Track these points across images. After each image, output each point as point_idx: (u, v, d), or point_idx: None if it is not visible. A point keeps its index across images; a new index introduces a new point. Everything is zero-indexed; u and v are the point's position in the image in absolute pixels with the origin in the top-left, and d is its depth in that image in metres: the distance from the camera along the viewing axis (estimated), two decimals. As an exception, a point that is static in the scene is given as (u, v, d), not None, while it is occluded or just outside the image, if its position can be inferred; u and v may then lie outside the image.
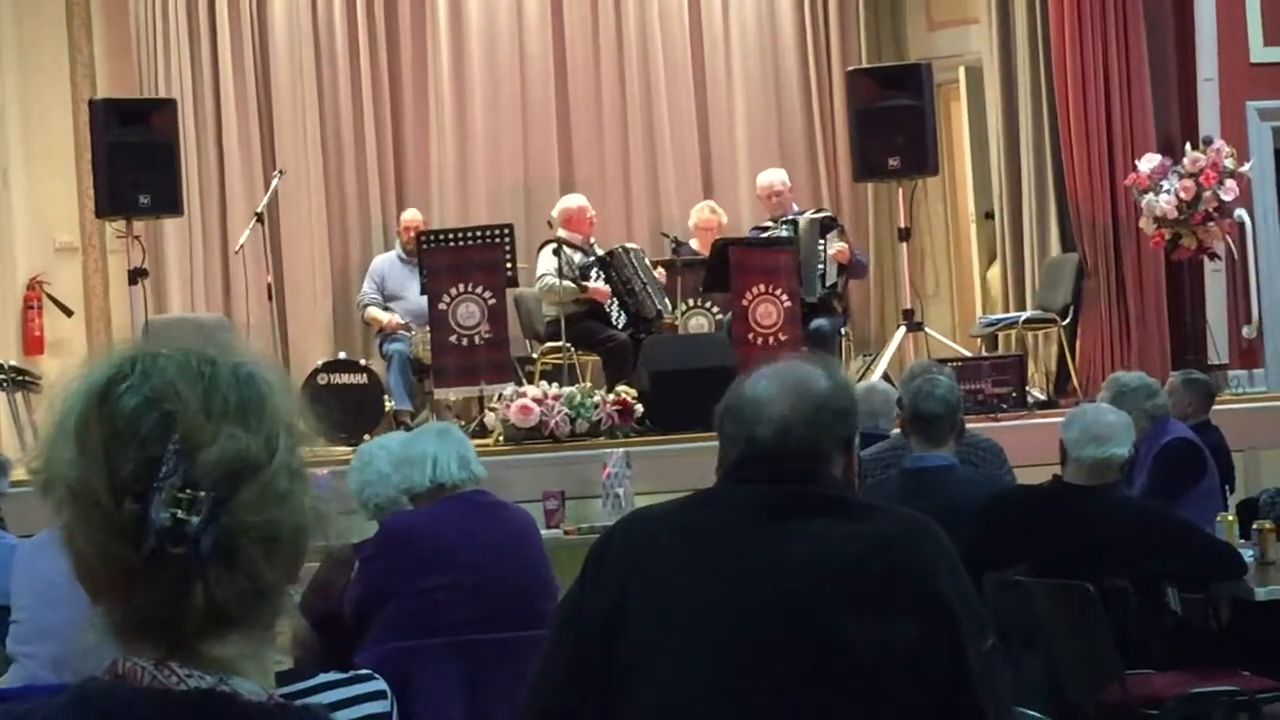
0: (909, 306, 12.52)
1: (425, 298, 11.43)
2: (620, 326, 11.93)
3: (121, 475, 1.65)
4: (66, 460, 1.68)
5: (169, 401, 1.67)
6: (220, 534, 1.65)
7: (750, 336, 11.10)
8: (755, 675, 3.06)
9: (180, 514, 1.63)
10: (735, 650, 3.08)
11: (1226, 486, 8.80)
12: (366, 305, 12.46)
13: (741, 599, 3.10)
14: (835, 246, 12.18)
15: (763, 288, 11.18)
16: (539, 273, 11.97)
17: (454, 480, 5.90)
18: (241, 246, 12.36)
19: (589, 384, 11.24)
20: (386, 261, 12.61)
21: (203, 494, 1.64)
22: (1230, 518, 7.50)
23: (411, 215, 12.74)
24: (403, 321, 12.13)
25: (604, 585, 3.22)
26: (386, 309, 12.31)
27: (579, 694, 3.20)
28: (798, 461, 3.21)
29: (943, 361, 10.35)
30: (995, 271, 13.54)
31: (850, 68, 13.31)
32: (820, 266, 12.07)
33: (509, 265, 11.44)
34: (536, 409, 10.58)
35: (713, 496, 3.36)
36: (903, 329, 12.39)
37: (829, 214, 12.76)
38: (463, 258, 11.26)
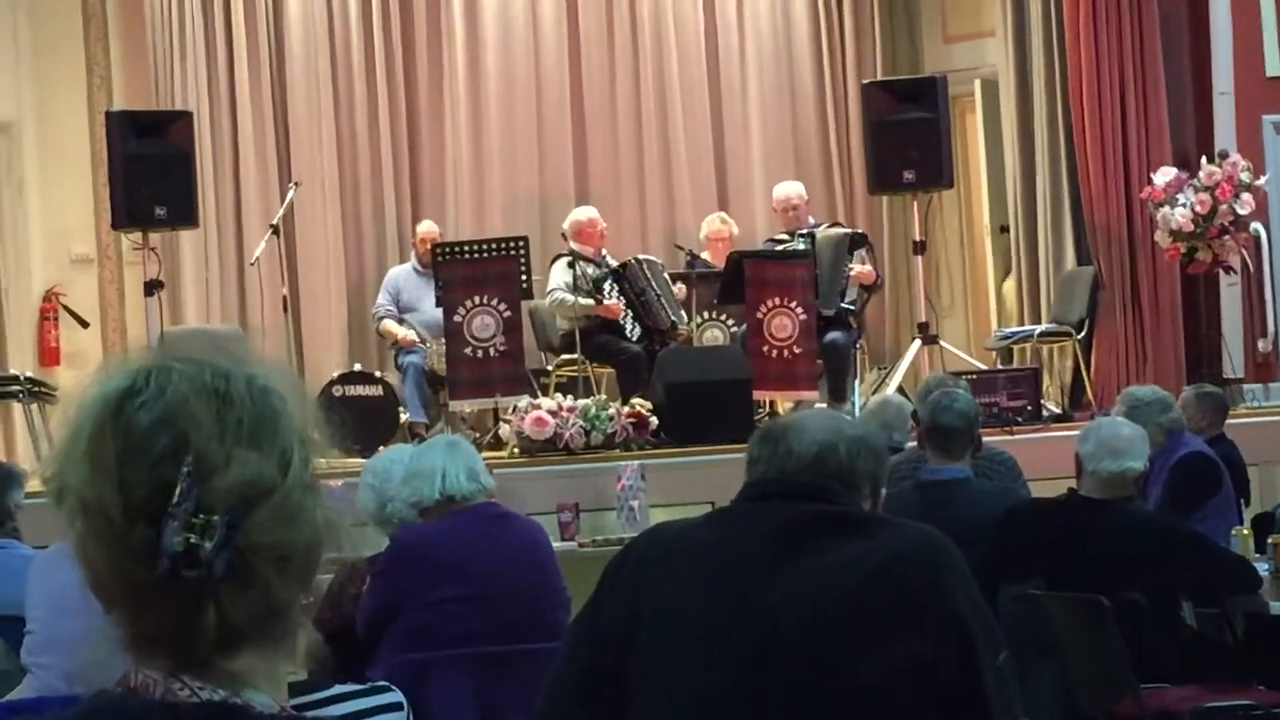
0: (924, 319, 12.51)
1: (440, 310, 11.45)
2: (634, 339, 11.92)
3: (134, 497, 1.65)
4: (80, 476, 1.68)
5: (183, 421, 1.67)
6: (233, 556, 1.65)
7: (765, 349, 11.10)
8: (768, 694, 3.05)
9: (193, 539, 1.63)
10: (748, 669, 3.07)
11: (1241, 500, 8.79)
12: (382, 318, 12.45)
13: (755, 618, 3.10)
14: (860, 267, 12.13)
15: (778, 301, 11.18)
16: (549, 287, 11.95)
17: (464, 493, 5.89)
18: (257, 258, 12.38)
19: (604, 396, 11.23)
20: (402, 273, 12.61)
21: (216, 518, 1.64)
22: (1245, 531, 7.49)
23: (428, 227, 12.73)
24: (416, 337, 12.12)
25: (619, 601, 3.22)
26: (402, 321, 12.31)
27: (590, 710, 3.19)
28: (825, 485, 3.22)
29: (957, 374, 10.35)
30: (1010, 285, 13.52)
31: (865, 80, 13.29)
32: (842, 282, 12.03)
33: (524, 277, 11.45)
34: (551, 421, 10.57)
35: (732, 514, 3.36)
36: (917, 342, 12.38)
37: (861, 232, 12.71)
38: (478, 270, 11.27)
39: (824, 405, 10.63)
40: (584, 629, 3.30)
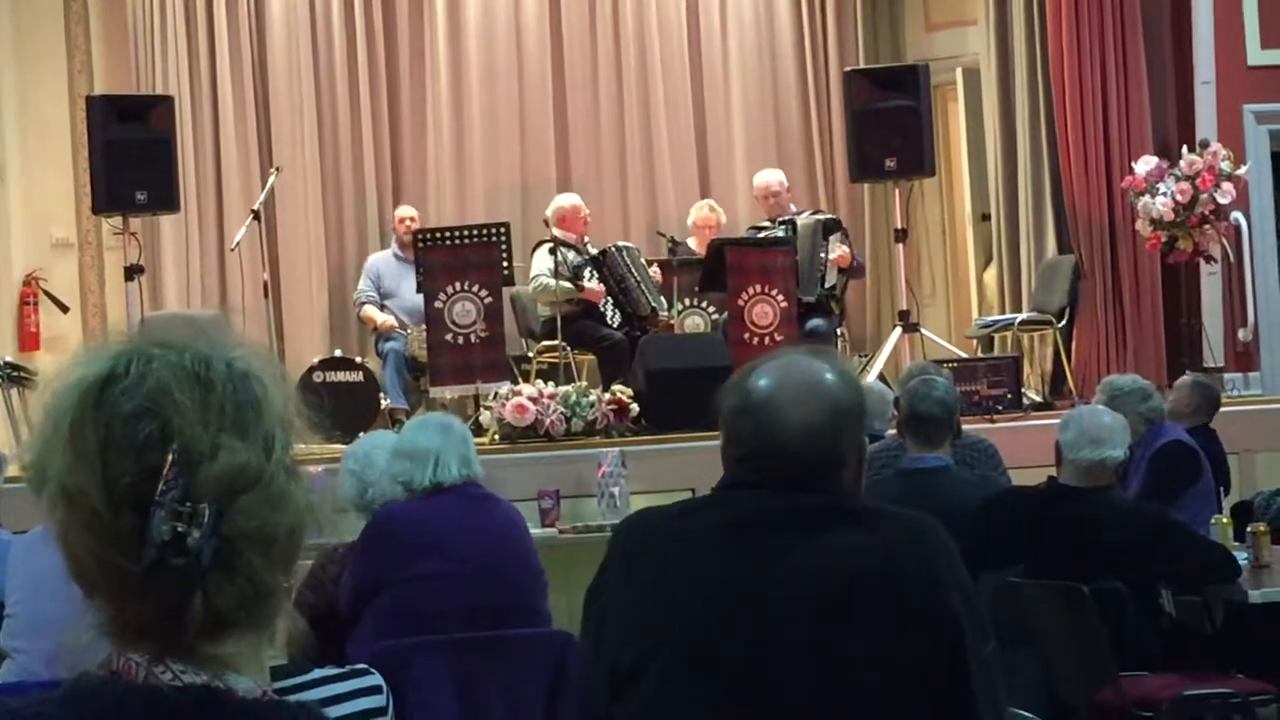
0: (905, 307, 12.52)
1: (421, 295, 11.48)
2: (615, 325, 11.93)
3: (119, 486, 1.64)
4: (61, 464, 1.67)
5: (166, 409, 1.66)
6: (220, 542, 1.64)
7: (746, 336, 11.10)
8: (757, 691, 3.01)
9: (181, 527, 1.62)
10: (739, 666, 3.02)
11: (1221, 489, 8.80)
12: (363, 304, 12.46)
13: (745, 612, 3.03)
14: (837, 250, 12.19)
15: (759, 288, 11.19)
16: (532, 273, 11.96)
17: (453, 480, 5.93)
18: (238, 243, 12.35)
19: (585, 383, 11.22)
20: (382, 259, 12.62)
21: (203, 506, 1.63)
22: (1225, 520, 7.51)
23: (407, 210, 12.82)
24: (396, 323, 12.14)
25: (613, 585, 3.17)
26: (383, 308, 12.32)
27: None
28: (812, 470, 3.12)
29: (939, 363, 10.36)
30: (991, 273, 13.54)
31: (848, 68, 13.30)
32: (821, 268, 12.08)
33: (505, 264, 11.45)
34: (532, 408, 10.57)
35: (717, 502, 3.25)
36: (898, 330, 12.39)
37: (834, 216, 12.76)
38: (459, 256, 11.26)
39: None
40: (591, 620, 3.23)
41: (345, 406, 11.13)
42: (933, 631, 2.99)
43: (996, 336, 12.70)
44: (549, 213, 12.28)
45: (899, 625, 2.99)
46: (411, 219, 12.61)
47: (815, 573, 3.03)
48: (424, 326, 11.40)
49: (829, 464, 3.13)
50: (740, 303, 11.19)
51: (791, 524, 3.09)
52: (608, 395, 10.83)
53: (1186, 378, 9.60)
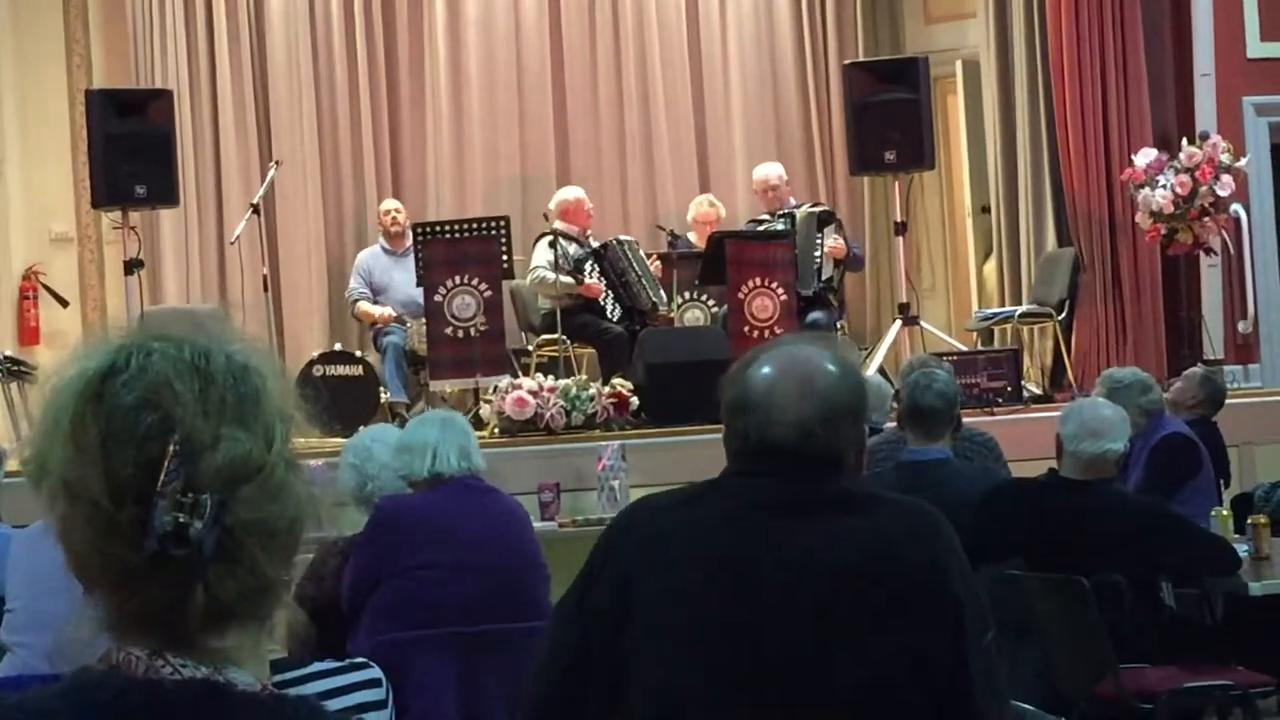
0: (905, 300, 12.51)
1: (412, 287, 11.56)
2: (615, 319, 11.92)
3: (121, 477, 1.64)
4: (62, 458, 1.67)
5: (166, 400, 1.66)
6: (221, 534, 1.64)
7: (746, 330, 11.09)
8: (758, 676, 3.00)
9: (183, 518, 1.62)
10: (739, 654, 3.01)
11: (1221, 481, 8.80)
12: (356, 301, 12.47)
13: (748, 602, 3.02)
14: (832, 241, 12.19)
15: (759, 281, 11.18)
16: (532, 265, 11.96)
17: (452, 472, 5.94)
18: (237, 237, 12.36)
19: (585, 376, 11.23)
20: (370, 255, 12.63)
21: (205, 497, 1.63)
22: (1225, 512, 7.51)
23: (390, 201, 12.89)
24: (393, 314, 12.15)
25: (609, 579, 3.16)
26: (376, 303, 12.33)
27: (583, 689, 3.13)
28: (808, 467, 3.11)
29: (939, 355, 10.36)
30: (991, 266, 13.54)
31: (847, 61, 13.28)
32: (817, 260, 12.08)
33: (505, 257, 11.46)
34: (532, 401, 10.57)
35: (719, 490, 3.24)
36: (898, 323, 12.38)
37: (827, 208, 12.76)
38: (459, 250, 11.27)
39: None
40: (572, 609, 3.22)
41: (345, 400, 11.13)
42: (933, 618, 2.99)
43: (996, 329, 12.71)
44: (552, 205, 12.28)
45: (899, 611, 2.99)
46: (397, 211, 12.67)
47: (816, 559, 3.03)
48: (423, 320, 11.41)
49: (825, 462, 3.13)
50: (740, 296, 11.19)
51: (792, 511, 3.09)
52: (607, 389, 10.83)
53: (1196, 369, 9.59)
